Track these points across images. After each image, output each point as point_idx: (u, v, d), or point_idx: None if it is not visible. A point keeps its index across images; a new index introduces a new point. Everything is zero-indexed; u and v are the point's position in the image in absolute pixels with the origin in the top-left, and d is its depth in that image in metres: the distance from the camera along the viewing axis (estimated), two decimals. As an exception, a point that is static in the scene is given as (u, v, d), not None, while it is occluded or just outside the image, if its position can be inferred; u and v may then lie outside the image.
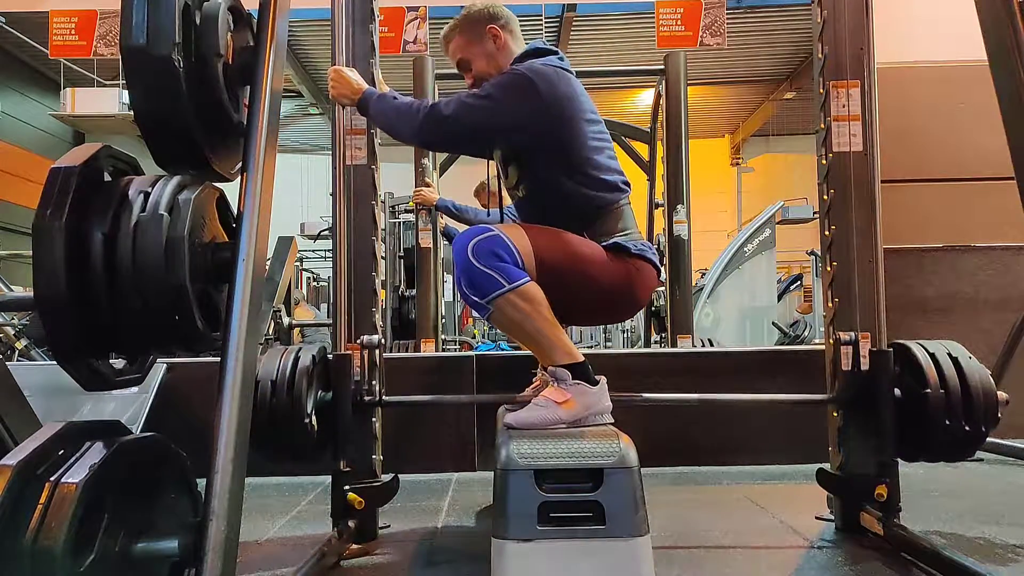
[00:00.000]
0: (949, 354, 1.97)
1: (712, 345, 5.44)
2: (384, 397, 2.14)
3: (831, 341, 2.12)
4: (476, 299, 1.70)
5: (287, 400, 1.85)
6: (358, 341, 2.08)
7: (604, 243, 1.85)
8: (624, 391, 1.99)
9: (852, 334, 2.05)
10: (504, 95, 1.81)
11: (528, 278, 1.69)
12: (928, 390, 1.91)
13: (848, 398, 2.06)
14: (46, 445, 1.11)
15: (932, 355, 1.97)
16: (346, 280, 2.11)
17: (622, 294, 1.88)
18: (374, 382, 2.12)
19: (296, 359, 1.92)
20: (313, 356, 1.97)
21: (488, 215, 3.76)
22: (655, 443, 2.76)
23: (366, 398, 2.08)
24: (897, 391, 1.99)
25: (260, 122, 1.37)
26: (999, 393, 1.92)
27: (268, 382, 1.85)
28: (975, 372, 1.93)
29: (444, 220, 4.52)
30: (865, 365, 2.03)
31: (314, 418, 1.92)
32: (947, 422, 1.89)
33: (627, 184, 1.95)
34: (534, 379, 2.25)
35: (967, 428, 1.89)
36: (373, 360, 2.12)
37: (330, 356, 2.07)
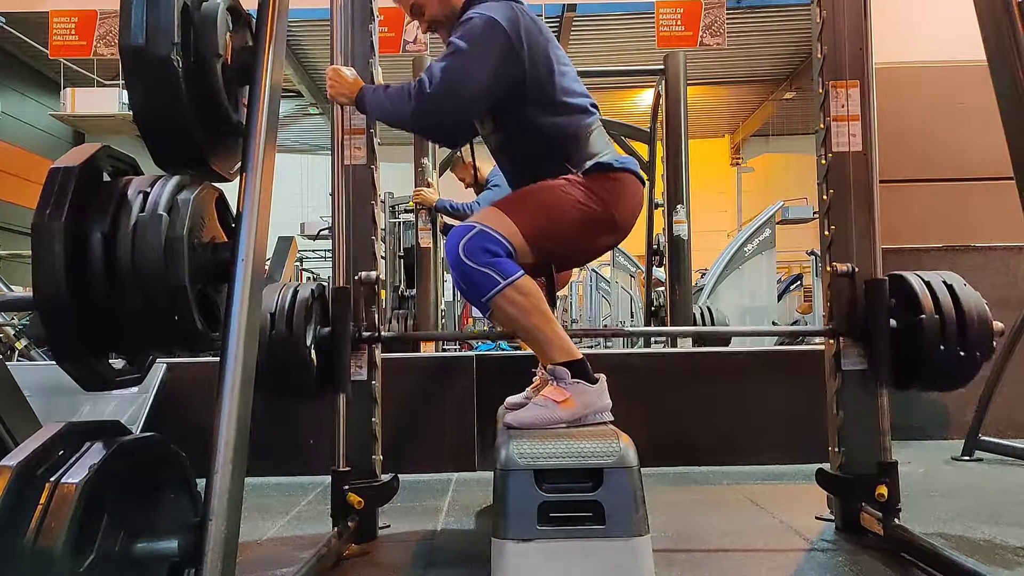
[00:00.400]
0: (944, 282, 1.97)
1: (711, 316, 5.38)
2: (383, 333, 2.17)
3: (830, 341, 2.12)
4: (475, 298, 1.72)
5: (286, 332, 1.86)
6: (356, 276, 2.11)
7: (585, 168, 1.86)
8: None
9: (849, 265, 2.05)
10: (477, 48, 1.79)
11: (521, 272, 1.71)
12: (923, 315, 1.91)
13: (844, 329, 2.07)
14: (46, 445, 1.10)
15: (927, 283, 1.97)
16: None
17: (612, 219, 1.88)
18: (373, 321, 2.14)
19: (295, 292, 1.94)
20: (312, 290, 1.99)
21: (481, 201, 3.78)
22: (655, 443, 2.76)
23: (364, 333, 2.09)
24: (893, 321, 1.99)
25: (259, 122, 1.37)
26: (995, 323, 1.92)
27: (267, 314, 1.84)
28: (970, 299, 1.93)
29: (444, 219, 4.53)
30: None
31: (313, 353, 1.93)
32: (942, 347, 1.89)
33: (595, 106, 1.95)
34: (534, 379, 2.25)
35: (962, 354, 1.89)
36: (372, 296, 2.14)
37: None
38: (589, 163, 1.86)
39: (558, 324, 1.78)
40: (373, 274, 2.13)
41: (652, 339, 5.82)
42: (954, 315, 1.90)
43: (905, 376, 2.00)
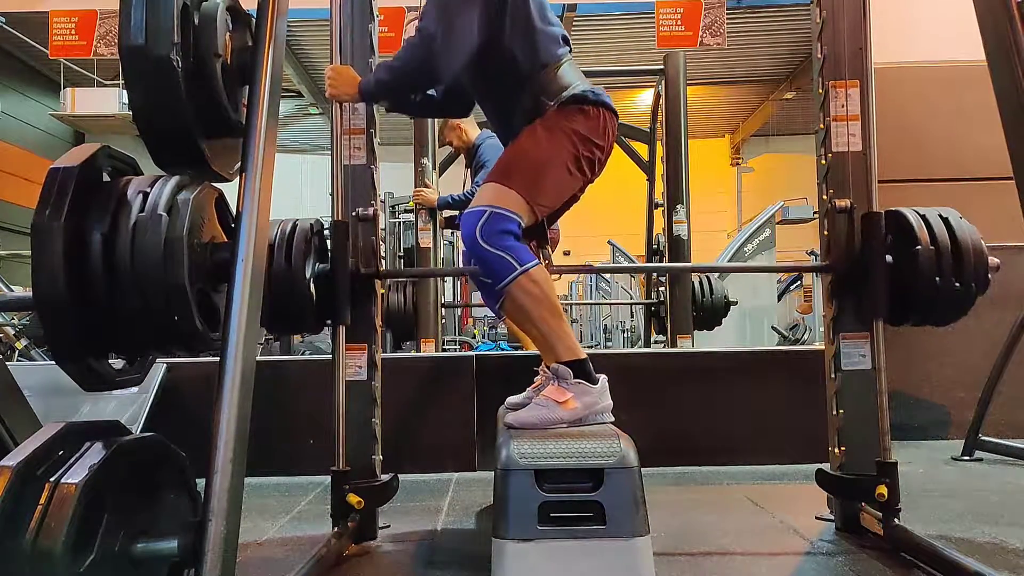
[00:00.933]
0: (940, 215, 1.97)
1: (711, 283, 5.32)
2: (381, 269, 2.17)
3: (831, 342, 2.12)
4: (491, 285, 1.73)
5: (285, 264, 1.88)
6: (354, 212, 2.10)
7: (563, 99, 1.85)
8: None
9: (848, 201, 2.06)
10: None
11: (536, 261, 1.73)
12: (918, 247, 1.91)
13: (841, 264, 2.08)
14: (46, 446, 1.11)
15: (923, 217, 1.97)
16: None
17: (593, 156, 1.89)
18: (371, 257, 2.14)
19: (294, 226, 1.96)
20: (311, 224, 2.01)
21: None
22: (655, 443, 2.76)
23: (364, 270, 2.09)
24: (889, 257, 1.99)
25: (259, 122, 1.37)
26: (991, 259, 1.93)
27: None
28: (966, 232, 1.93)
29: (443, 215, 4.52)
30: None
31: (312, 287, 1.95)
32: (937, 279, 1.89)
33: (566, 39, 1.96)
34: (536, 378, 2.25)
35: (958, 285, 1.89)
36: (371, 234, 2.14)
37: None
38: (565, 94, 1.86)
39: (566, 321, 1.80)
40: (371, 210, 2.13)
41: (652, 340, 5.82)
42: (950, 247, 1.91)
43: (900, 311, 2.00)
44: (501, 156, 1.92)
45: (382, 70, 1.92)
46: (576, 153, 1.84)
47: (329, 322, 2.06)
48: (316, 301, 1.99)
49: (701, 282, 5.25)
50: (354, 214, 2.12)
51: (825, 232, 2.14)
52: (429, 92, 2.20)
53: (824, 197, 2.15)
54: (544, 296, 1.73)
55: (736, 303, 5.49)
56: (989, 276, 1.93)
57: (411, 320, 4.82)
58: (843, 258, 2.08)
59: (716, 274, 5.51)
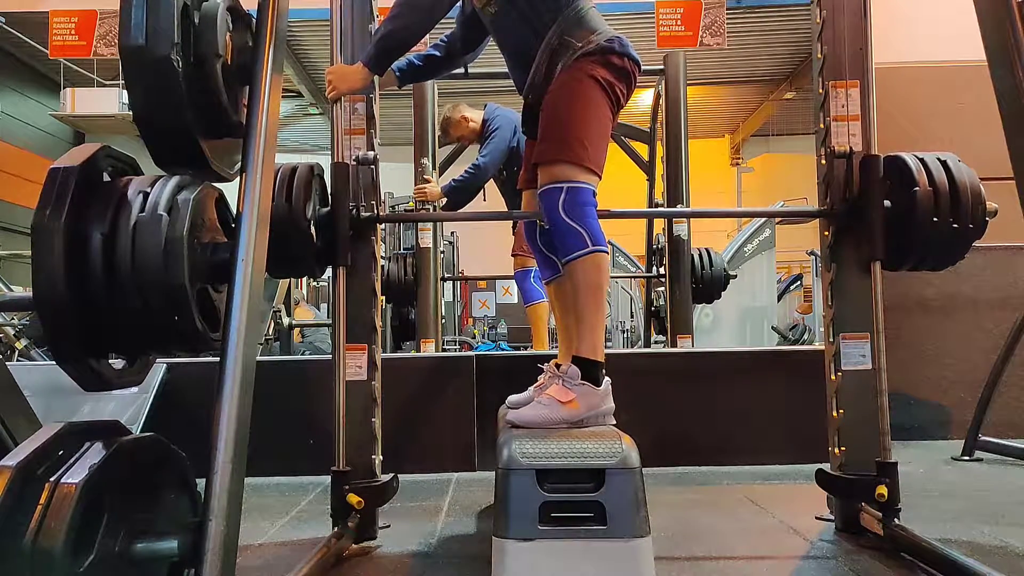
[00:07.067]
0: (939, 158, 1.98)
1: (711, 258, 5.27)
2: (380, 214, 2.18)
3: (831, 341, 2.12)
4: (562, 254, 1.79)
5: (285, 205, 1.88)
6: (354, 158, 2.10)
7: (591, 48, 1.86)
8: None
9: (848, 147, 2.06)
10: None
11: (606, 248, 1.78)
12: (916, 188, 1.92)
13: (840, 208, 2.08)
14: (46, 446, 1.11)
15: (922, 160, 1.99)
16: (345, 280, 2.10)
17: (621, 102, 1.94)
18: (372, 200, 2.15)
19: (293, 169, 1.97)
20: (311, 167, 2.02)
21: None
22: (656, 443, 2.76)
23: (364, 214, 2.10)
24: (888, 203, 1.99)
25: (259, 122, 1.37)
26: (989, 203, 1.94)
27: None
28: (964, 174, 1.95)
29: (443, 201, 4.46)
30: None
31: (313, 230, 1.96)
32: (935, 219, 1.90)
33: None
34: (540, 377, 2.25)
35: (955, 226, 1.90)
36: (371, 179, 2.15)
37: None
38: (594, 39, 1.87)
39: (604, 320, 1.82)
40: (371, 154, 2.13)
41: (652, 340, 5.82)
42: (947, 188, 1.92)
43: (897, 255, 2.01)
44: (550, 125, 1.87)
45: (379, 32, 1.96)
46: (610, 101, 1.89)
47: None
48: (317, 245, 1.99)
49: (701, 255, 5.23)
50: (355, 159, 2.11)
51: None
52: (431, 52, 2.22)
53: (824, 198, 2.15)
54: (598, 285, 1.77)
55: (736, 276, 5.49)
56: (987, 220, 1.94)
57: (410, 290, 4.78)
58: (842, 202, 2.08)
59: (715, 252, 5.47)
